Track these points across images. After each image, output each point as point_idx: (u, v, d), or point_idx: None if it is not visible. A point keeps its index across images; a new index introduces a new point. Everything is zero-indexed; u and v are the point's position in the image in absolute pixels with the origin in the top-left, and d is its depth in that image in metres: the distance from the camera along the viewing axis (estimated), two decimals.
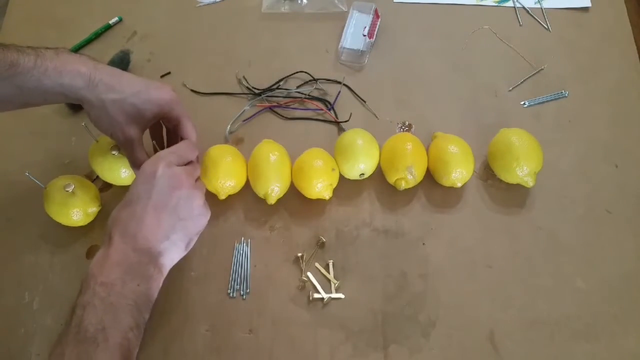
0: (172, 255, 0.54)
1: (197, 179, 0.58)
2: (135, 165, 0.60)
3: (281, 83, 0.76)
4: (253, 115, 0.73)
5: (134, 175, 0.66)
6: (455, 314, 0.62)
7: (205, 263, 0.64)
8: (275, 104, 0.75)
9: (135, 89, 0.57)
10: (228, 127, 0.72)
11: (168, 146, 0.65)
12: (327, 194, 0.65)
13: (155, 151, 0.64)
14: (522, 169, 0.64)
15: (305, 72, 0.77)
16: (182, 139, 0.61)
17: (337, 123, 0.73)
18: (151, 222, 0.52)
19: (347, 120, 0.73)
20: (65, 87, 0.54)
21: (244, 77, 0.77)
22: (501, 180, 0.67)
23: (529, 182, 0.65)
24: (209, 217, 0.58)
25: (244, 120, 0.73)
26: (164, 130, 0.66)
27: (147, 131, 0.64)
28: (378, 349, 0.60)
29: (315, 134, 0.72)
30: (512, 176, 0.65)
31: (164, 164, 0.54)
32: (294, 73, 0.77)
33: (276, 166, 0.64)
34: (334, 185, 0.66)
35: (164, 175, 0.53)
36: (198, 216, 0.56)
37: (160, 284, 0.54)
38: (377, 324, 0.61)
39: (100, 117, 0.57)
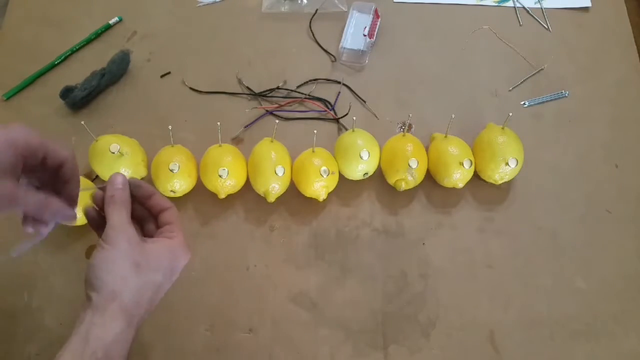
0: None
1: None
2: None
3: (281, 84, 0.76)
4: (254, 121, 0.73)
5: (134, 175, 0.66)
6: (455, 314, 0.62)
7: (205, 263, 0.64)
8: (277, 105, 0.75)
9: None
10: (236, 133, 0.72)
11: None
12: (322, 195, 0.65)
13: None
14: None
15: (289, 89, 0.77)
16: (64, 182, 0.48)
17: (337, 122, 0.73)
18: (155, 301, 0.45)
19: (347, 114, 0.73)
20: None
21: (240, 80, 0.77)
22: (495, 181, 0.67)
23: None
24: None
25: (246, 127, 0.73)
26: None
27: None
28: (378, 349, 0.60)
29: (315, 133, 0.72)
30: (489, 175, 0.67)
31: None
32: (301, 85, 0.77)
33: (276, 164, 0.64)
34: (330, 189, 0.66)
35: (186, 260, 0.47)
36: None
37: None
38: (377, 324, 0.61)
39: None
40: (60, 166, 0.47)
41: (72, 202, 0.47)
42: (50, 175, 0.47)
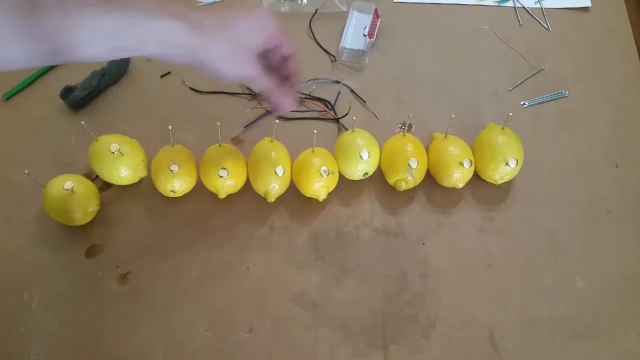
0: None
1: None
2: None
3: None
4: (254, 121, 0.73)
5: (134, 175, 0.66)
6: (455, 314, 0.62)
7: (205, 263, 0.64)
8: None
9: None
10: (236, 133, 0.72)
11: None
12: (322, 195, 0.65)
13: None
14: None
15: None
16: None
17: (337, 122, 0.73)
18: None
19: (347, 114, 0.73)
20: None
21: None
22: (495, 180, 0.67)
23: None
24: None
25: (246, 127, 0.73)
26: None
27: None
28: (378, 349, 0.60)
29: (315, 133, 0.72)
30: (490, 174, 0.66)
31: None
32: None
33: (276, 164, 0.64)
34: (330, 189, 0.66)
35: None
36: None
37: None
38: (377, 324, 0.61)
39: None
40: (286, 58, 0.53)
41: (292, 96, 0.55)
42: (279, 64, 0.54)
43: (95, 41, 0.43)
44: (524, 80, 0.77)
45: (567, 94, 0.76)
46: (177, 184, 0.65)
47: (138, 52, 0.45)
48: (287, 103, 0.55)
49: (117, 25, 0.43)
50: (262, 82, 0.52)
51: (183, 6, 0.46)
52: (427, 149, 0.69)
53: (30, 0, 0.40)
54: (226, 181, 0.64)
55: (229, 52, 0.48)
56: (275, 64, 0.54)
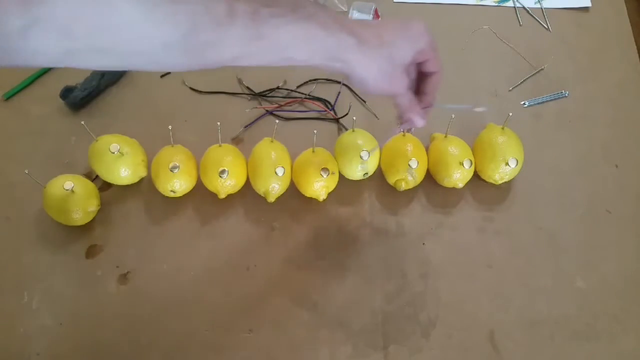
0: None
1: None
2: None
3: (281, 84, 0.76)
4: (254, 121, 0.73)
5: (134, 175, 0.66)
6: (455, 314, 0.62)
7: (205, 263, 0.64)
8: (277, 105, 0.75)
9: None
10: (236, 133, 0.72)
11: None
12: (322, 195, 0.65)
13: None
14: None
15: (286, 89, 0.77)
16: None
17: (337, 122, 0.73)
18: None
19: (347, 114, 0.73)
20: None
21: (241, 80, 0.77)
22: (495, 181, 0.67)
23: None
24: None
25: (246, 127, 0.73)
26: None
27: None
28: (378, 349, 0.60)
29: (315, 133, 0.72)
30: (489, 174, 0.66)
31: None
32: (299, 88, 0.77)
33: (276, 164, 0.64)
34: (330, 189, 0.66)
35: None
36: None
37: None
38: (377, 324, 0.61)
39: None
40: (428, 75, 0.52)
41: (424, 112, 0.53)
42: (419, 78, 0.53)
43: (270, 50, 0.42)
44: (524, 80, 0.77)
45: (567, 94, 0.76)
46: (177, 184, 0.65)
47: (303, 63, 0.44)
48: (418, 121, 0.53)
49: (296, 36, 0.42)
50: (406, 98, 0.51)
51: (357, 21, 0.45)
52: (427, 149, 0.69)
53: (230, 10, 0.39)
54: (226, 181, 0.64)
55: (384, 69, 0.47)
56: (414, 78, 0.53)
